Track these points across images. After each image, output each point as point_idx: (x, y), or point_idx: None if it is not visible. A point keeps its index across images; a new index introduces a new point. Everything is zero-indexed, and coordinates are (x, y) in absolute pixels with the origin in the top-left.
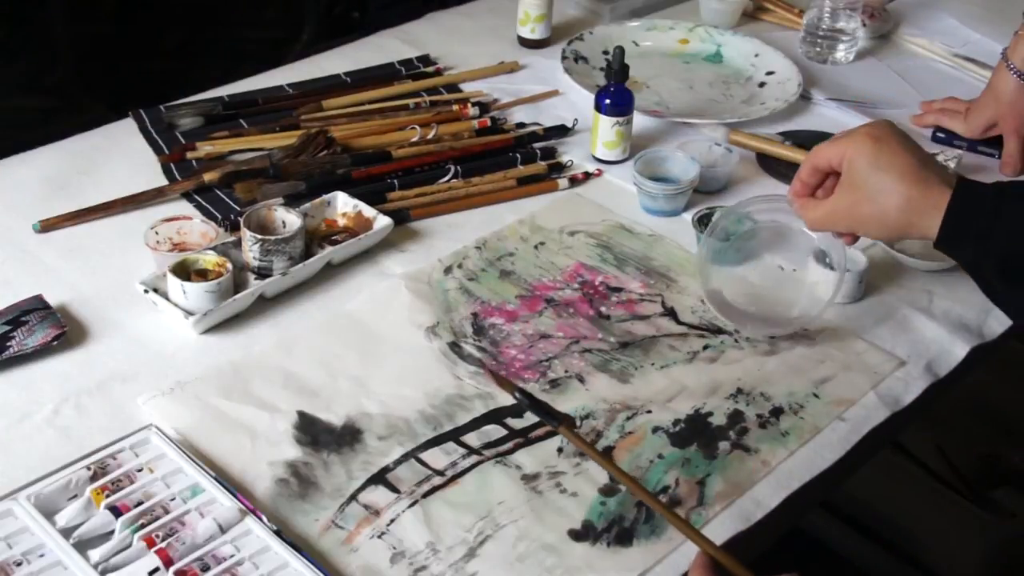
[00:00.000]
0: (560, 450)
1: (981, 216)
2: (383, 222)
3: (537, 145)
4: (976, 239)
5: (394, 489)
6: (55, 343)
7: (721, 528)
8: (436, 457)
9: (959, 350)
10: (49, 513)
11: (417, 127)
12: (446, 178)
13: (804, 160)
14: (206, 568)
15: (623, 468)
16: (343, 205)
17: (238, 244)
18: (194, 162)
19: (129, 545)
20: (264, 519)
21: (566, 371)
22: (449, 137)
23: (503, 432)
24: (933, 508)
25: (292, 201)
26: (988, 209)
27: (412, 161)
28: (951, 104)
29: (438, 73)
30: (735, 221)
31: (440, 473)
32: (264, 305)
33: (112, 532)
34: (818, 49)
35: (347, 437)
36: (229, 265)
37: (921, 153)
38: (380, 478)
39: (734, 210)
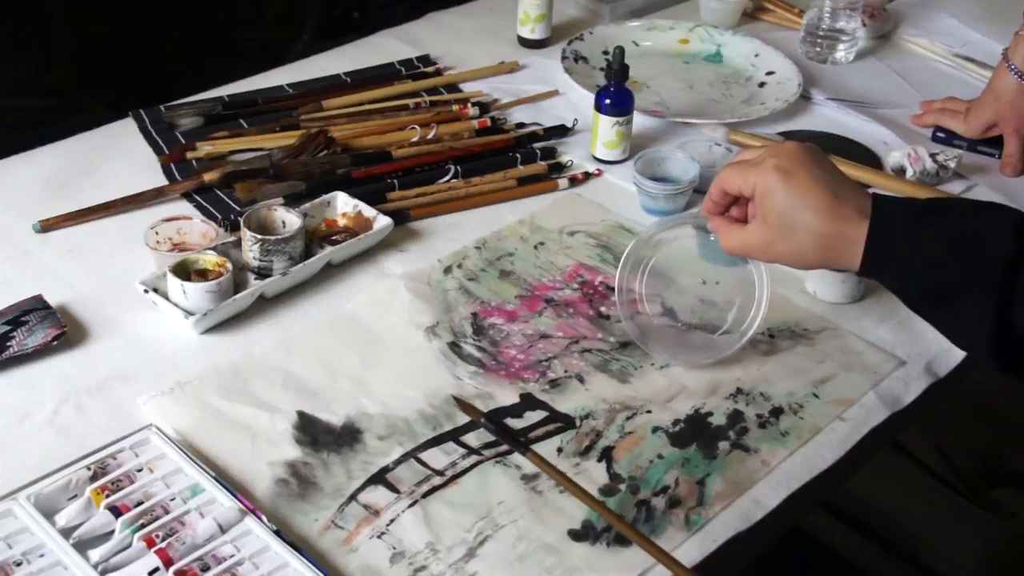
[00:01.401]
0: (560, 450)
1: (901, 247)
2: (383, 222)
3: (537, 145)
4: (898, 270)
5: (394, 489)
6: (55, 343)
7: (721, 528)
8: (436, 457)
9: (959, 350)
10: (49, 513)
11: (417, 127)
12: (446, 178)
13: (714, 180)
14: (206, 568)
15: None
16: (343, 205)
17: (238, 244)
18: (194, 162)
19: (129, 545)
20: (264, 519)
21: (566, 371)
22: (449, 137)
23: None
24: (933, 508)
25: (292, 201)
26: (906, 239)
27: (412, 161)
28: (951, 104)
29: (438, 73)
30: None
31: (440, 473)
32: (264, 305)
33: (112, 532)
34: (818, 49)
35: (347, 437)
36: (229, 265)
37: (834, 181)
38: (380, 478)
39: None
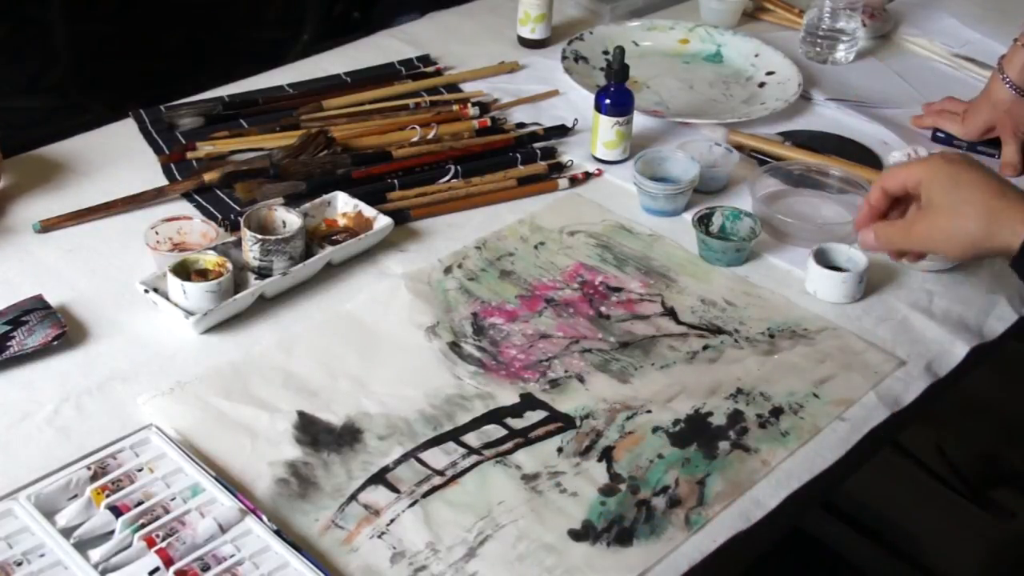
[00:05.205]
0: (560, 450)
1: None
2: (383, 222)
3: (537, 145)
4: None
5: (394, 489)
6: (55, 343)
7: (721, 528)
8: (436, 457)
9: (959, 350)
10: (49, 513)
11: (417, 127)
12: (446, 178)
13: (873, 185)
14: (206, 568)
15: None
16: (343, 205)
17: (238, 244)
18: (194, 162)
19: (129, 545)
20: (264, 519)
21: (566, 371)
22: (449, 137)
23: (503, 432)
24: (933, 508)
25: (292, 201)
26: None
27: (412, 161)
28: (949, 105)
29: (438, 73)
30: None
31: (440, 473)
32: (264, 305)
33: (112, 532)
34: (818, 49)
35: (347, 437)
36: (229, 265)
37: (998, 176)
38: (380, 478)
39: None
